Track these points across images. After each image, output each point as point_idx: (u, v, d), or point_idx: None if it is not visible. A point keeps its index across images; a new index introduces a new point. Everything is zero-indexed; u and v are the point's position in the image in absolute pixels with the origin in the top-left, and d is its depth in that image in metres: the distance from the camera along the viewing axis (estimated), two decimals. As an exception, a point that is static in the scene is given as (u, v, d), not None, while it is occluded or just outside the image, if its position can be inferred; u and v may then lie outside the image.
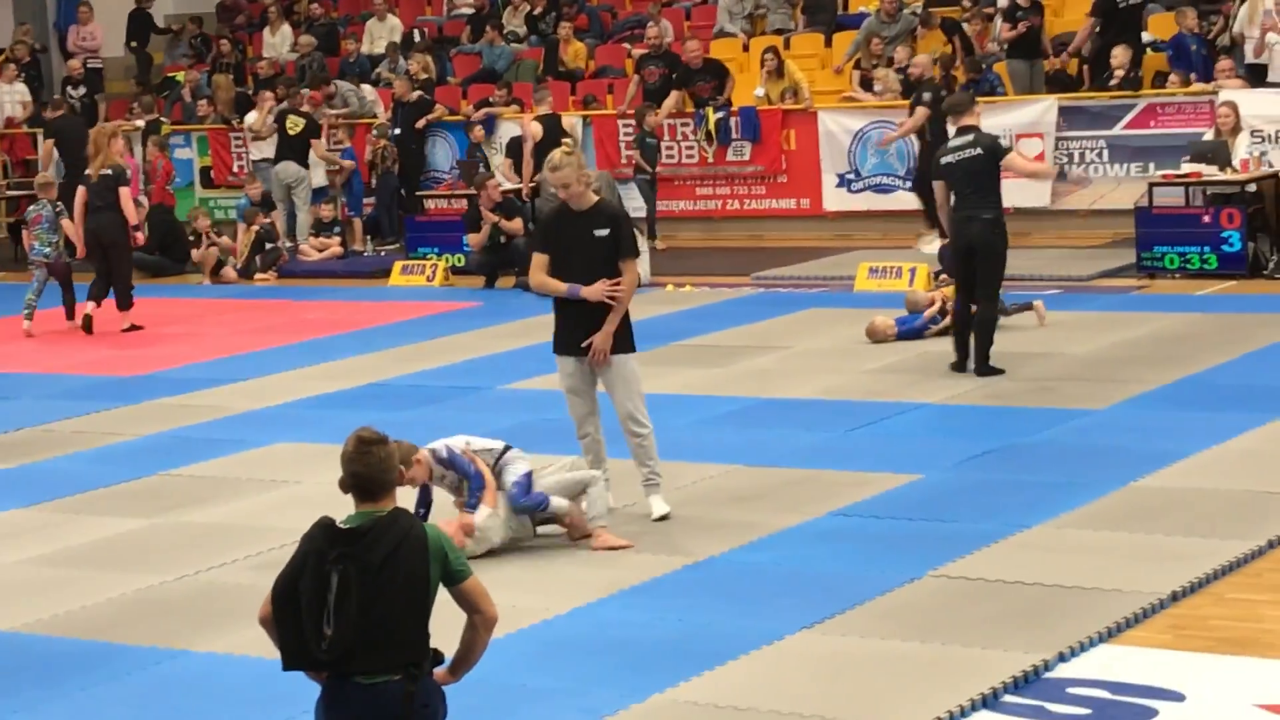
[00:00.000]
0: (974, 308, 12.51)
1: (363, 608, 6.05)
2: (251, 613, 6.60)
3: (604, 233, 9.13)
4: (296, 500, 9.92)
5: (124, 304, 17.03)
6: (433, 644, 6.25)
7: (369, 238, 21.95)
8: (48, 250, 17.41)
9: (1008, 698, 6.62)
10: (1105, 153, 19.49)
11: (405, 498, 6.45)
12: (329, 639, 6.07)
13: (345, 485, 6.29)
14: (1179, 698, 6.57)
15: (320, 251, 21.25)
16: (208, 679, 7.20)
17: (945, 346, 12.91)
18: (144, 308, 18.36)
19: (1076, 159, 19.65)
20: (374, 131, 22.15)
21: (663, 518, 9.24)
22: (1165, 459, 9.93)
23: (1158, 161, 18.67)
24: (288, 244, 21.09)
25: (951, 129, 13.10)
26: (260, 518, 9.72)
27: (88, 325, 16.94)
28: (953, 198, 12.51)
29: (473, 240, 18.70)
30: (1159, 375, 12.17)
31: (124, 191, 16.99)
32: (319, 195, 21.78)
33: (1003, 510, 9.08)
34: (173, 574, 8.74)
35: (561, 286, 9.11)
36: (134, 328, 16.98)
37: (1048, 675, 6.84)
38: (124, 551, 9.25)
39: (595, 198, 9.27)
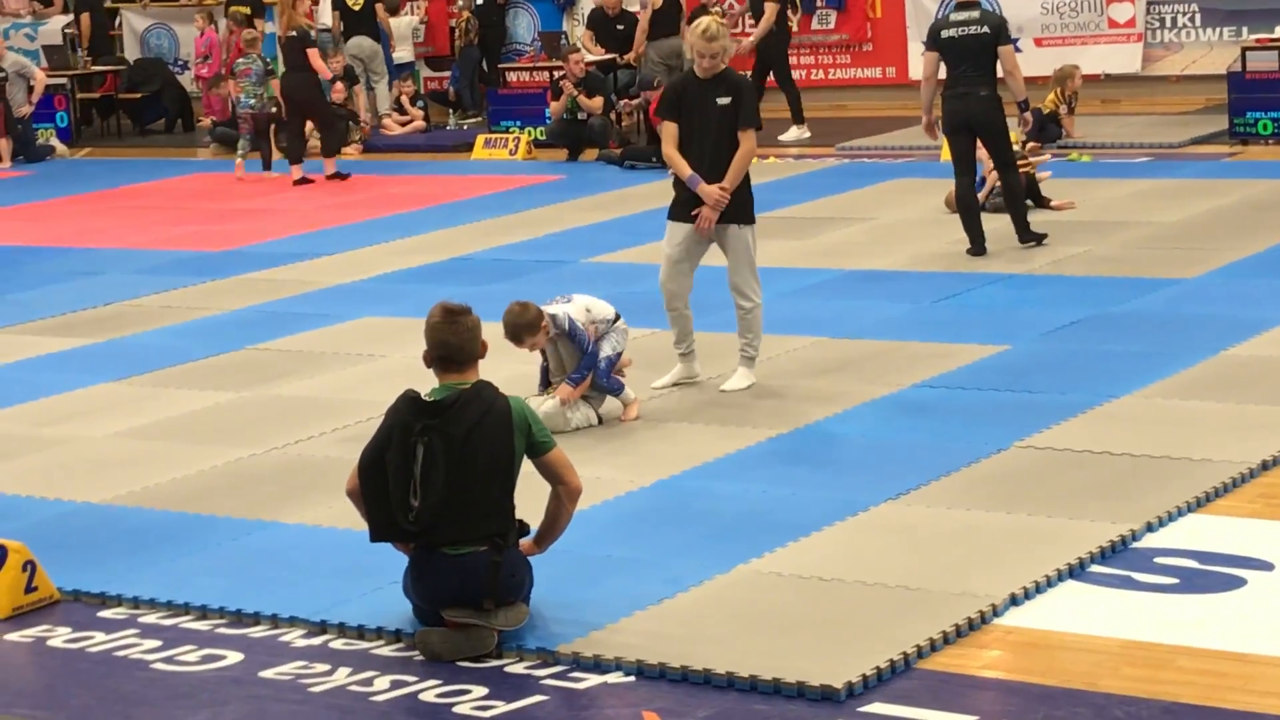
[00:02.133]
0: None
1: (449, 478, 6.09)
2: (339, 485, 6.67)
3: (726, 101, 9.08)
4: (383, 374, 9.97)
5: (329, 150, 18.02)
6: (518, 516, 6.30)
7: (451, 111, 21.90)
8: (252, 102, 18.69)
9: (1095, 568, 6.59)
10: (1198, 16, 19.14)
11: (488, 370, 6.46)
12: (416, 510, 6.12)
13: (429, 358, 6.33)
14: (1269, 567, 6.52)
15: (403, 126, 21.22)
16: (296, 550, 7.28)
17: (1033, 219, 12.75)
18: (230, 183, 18.49)
19: (1168, 23, 19.30)
20: (457, 3, 22.03)
21: (742, 389, 9.21)
22: (1257, 328, 9.81)
23: (1251, 25, 18.34)
24: (369, 118, 21.07)
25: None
26: (347, 391, 9.78)
27: (303, 181, 17.87)
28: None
29: (553, 108, 18.65)
30: (1251, 243, 12.00)
31: (311, 52, 17.80)
32: (401, 70, 21.75)
33: (1090, 380, 9.01)
34: (261, 447, 8.81)
35: (686, 170, 9.11)
36: (305, 180, 17.84)
37: (1135, 545, 6.80)
38: (213, 424, 9.33)
39: (722, 66, 9.19)
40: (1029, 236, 12.41)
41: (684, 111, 9.17)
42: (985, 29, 12.18)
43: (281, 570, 7.05)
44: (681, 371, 9.43)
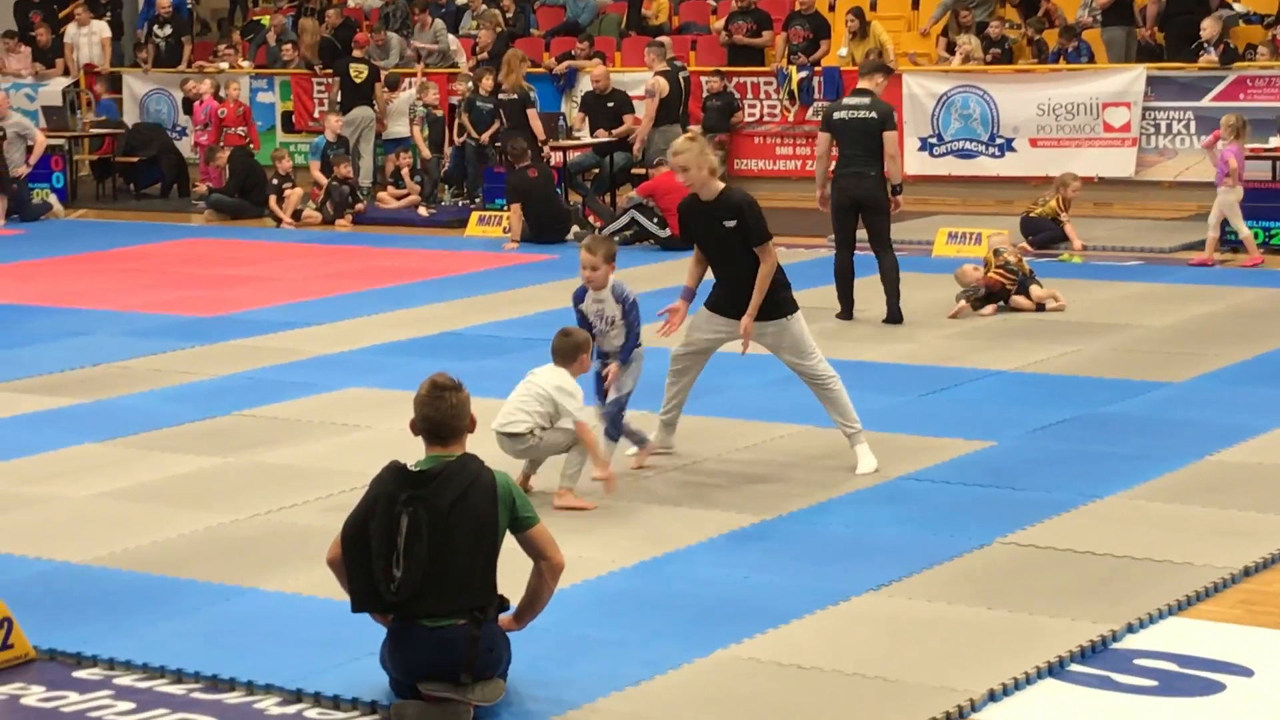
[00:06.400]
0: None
1: (432, 549, 6.07)
2: (320, 553, 6.64)
3: (732, 224, 9.09)
4: (368, 444, 9.96)
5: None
6: (499, 592, 6.28)
7: (447, 187, 21.98)
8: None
9: (1074, 667, 6.58)
10: (1192, 124, 19.28)
11: (475, 444, 6.45)
12: (398, 580, 6.10)
13: (416, 428, 6.32)
14: (1248, 673, 6.51)
15: (398, 200, 21.29)
16: (275, 618, 7.25)
17: (1023, 317, 12.79)
18: (223, 249, 18.54)
19: (1163, 129, 19.44)
20: (459, 81, 22.15)
21: (873, 471, 9.18)
22: (1242, 434, 9.83)
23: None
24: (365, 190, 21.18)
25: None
26: (332, 460, 9.77)
27: None
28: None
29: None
30: (1238, 350, 12.04)
31: (530, 113, 19.42)
32: (395, 145, 21.89)
33: (1075, 480, 9.01)
34: (244, 513, 8.79)
35: (687, 280, 9.35)
36: None
37: (1115, 646, 6.79)
38: (196, 489, 9.31)
39: (721, 185, 9.19)
40: (899, 317, 13.11)
41: (697, 236, 9.29)
42: (873, 114, 13.06)
43: (259, 637, 7.01)
44: (658, 438, 9.40)
